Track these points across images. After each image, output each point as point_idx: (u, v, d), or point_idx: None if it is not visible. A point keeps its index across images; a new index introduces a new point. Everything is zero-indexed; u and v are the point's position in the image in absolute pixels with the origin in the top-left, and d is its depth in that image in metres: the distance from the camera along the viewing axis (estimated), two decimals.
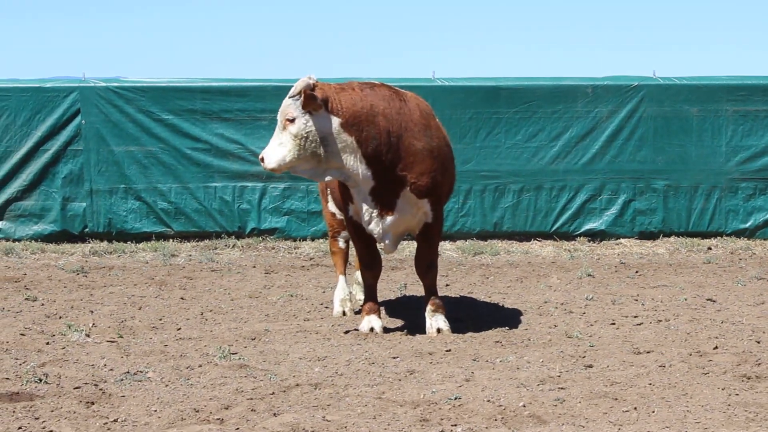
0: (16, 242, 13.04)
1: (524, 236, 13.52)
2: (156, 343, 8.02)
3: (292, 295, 10.11)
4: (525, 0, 40.12)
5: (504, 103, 13.48)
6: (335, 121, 7.97)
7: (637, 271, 11.60)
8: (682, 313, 9.09)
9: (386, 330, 8.52)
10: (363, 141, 8.01)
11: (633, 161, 13.54)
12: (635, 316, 8.98)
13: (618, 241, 13.45)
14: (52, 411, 6.14)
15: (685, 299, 9.81)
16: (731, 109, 13.53)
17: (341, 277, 9.38)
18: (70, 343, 7.95)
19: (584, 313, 9.22)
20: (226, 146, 13.37)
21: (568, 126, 13.51)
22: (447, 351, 7.73)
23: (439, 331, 8.36)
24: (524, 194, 13.52)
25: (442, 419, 6.00)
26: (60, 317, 9.02)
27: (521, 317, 9.01)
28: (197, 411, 6.13)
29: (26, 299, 9.86)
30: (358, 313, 9.13)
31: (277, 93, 12.95)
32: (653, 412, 6.10)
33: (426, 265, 8.49)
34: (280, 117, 8.01)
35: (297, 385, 6.71)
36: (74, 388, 6.60)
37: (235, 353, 7.63)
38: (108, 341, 8.06)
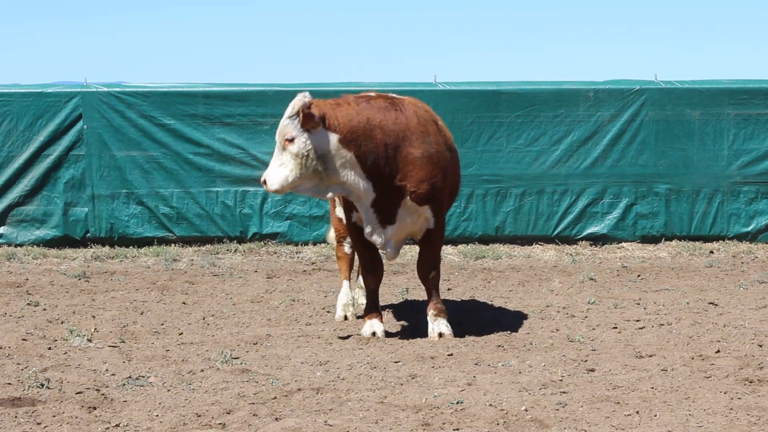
0: (18, 247, 13.05)
1: (526, 240, 13.52)
2: (158, 348, 8.03)
3: (293, 300, 10.12)
4: (526, 5, 40.17)
5: (505, 107, 13.49)
6: (334, 138, 8.01)
7: (639, 275, 11.61)
8: (684, 317, 9.09)
9: (388, 334, 8.53)
10: (362, 156, 8.06)
11: (635, 165, 13.54)
12: (637, 320, 8.99)
13: (620, 244, 13.46)
14: (54, 416, 6.14)
15: (687, 303, 9.81)
16: (733, 113, 13.54)
17: (345, 282, 9.38)
18: (72, 348, 7.96)
19: (586, 317, 9.23)
20: (228, 151, 13.38)
21: (569, 130, 13.52)
22: (449, 355, 7.74)
23: (440, 335, 8.36)
24: (526, 198, 13.53)
25: (444, 423, 6.00)
26: (62, 322, 9.03)
27: (523, 321, 9.02)
28: (199, 416, 6.14)
29: (28, 304, 9.86)
30: (360, 317, 9.13)
31: (278, 98, 12.99)
32: (655, 415, 6.10)
33: (427, 269, 8.51)
34: (278, 138, 8.05)
35: (299, 389, 6.72)
36: (76, 393, 6.61)
37: (237, 358, 7.64)
38: (110, 346, 8.07)
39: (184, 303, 10.05)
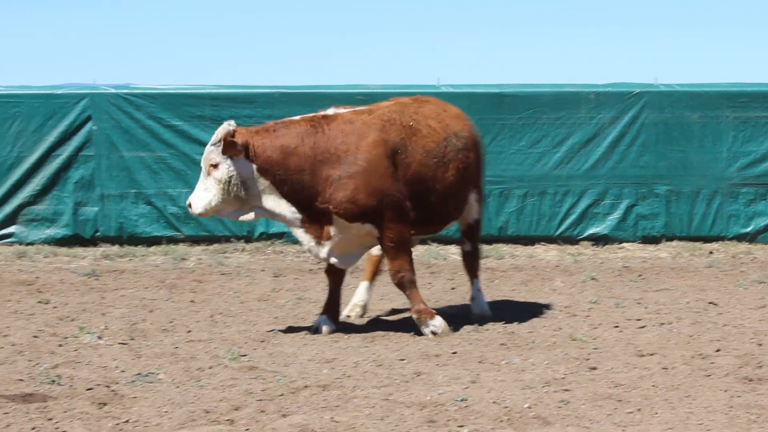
0: (29, 246, 13.07)
1: (528, 240, 13.55)
2: (167, 346, 8.09)
3: (300, 299, 10.16)
4: (528, 7, 40.13)
5: (508, 109, 13.54)
6: (253, 166, 8.23)
7: (640, 275, 11.62)
8: (685, 317, 9.13)
9: (393, 332, 8.58)
10: (277, 183, 8.25)
11: (635, 167, 13.57)
12: (638, 319, 9.03)
13: (621, 245, 13.47)
14: (65, 412, 6.21)
15: (688, 302, 9.85)
16: (732, 116, 13.57)
17: (362, 283, 9.38)
18: (83, 345, 8.03)
19: (588, 316, 9.27)
20: None
21: (571, 132, 13.57)
22: (453, 353, 7.79)
23: (434, 333, 8.41)
24: (528, 199, 13.57)
25: (448, 420, 6.06)
26: (72, 320, 9.09)
27: (526, 320, 9.06)
28: (208, 412, 6.20)
29: (39, 302, 9.93)
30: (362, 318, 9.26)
31: (284, 100, 13.10)
32: (656, 413, 6.16)
33: (392, 272, 8.52)
34: (203, 163, 8.30)
35: (306, 386, 6.77)
36: (86, 390, 6.68)
37: (245, 355, 7.70)
38: (120, 343, 8.14)
39: (192, 301, 10.11)
